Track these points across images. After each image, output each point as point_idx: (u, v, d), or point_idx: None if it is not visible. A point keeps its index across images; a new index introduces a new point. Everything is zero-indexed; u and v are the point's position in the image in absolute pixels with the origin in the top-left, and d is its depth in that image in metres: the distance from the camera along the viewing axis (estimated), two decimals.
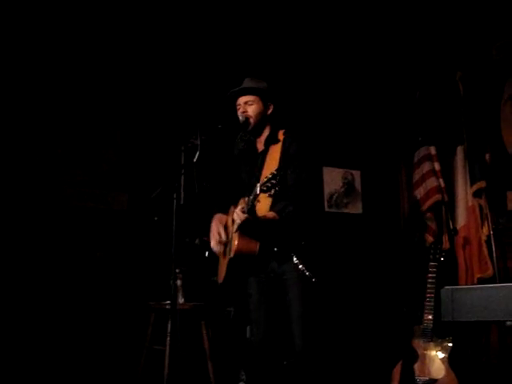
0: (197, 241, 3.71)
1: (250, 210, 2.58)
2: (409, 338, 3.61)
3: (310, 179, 2.81)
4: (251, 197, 2.54)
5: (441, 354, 3.44)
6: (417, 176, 4.61)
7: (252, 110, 2.84)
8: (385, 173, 5.14)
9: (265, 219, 2.64)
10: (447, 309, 1.86)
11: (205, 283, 3.73)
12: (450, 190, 4.46)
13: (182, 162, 2.72)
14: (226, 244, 2.86)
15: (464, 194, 4.29)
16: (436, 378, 3.39)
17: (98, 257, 3.97)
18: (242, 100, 2.87)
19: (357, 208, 4.99)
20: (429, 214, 4.48)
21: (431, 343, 3.49)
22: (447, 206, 4.43)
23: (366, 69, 5.01)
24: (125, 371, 3.73)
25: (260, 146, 2.92)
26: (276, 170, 2.45)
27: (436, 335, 3.50)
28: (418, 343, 3.55)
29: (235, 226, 2.65)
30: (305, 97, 4.79)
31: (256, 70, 4.26)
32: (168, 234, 2.59)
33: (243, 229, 2.60)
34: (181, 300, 3.63)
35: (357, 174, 5.05)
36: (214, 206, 2.98)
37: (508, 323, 1.69)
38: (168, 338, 3.26)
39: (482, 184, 4.12)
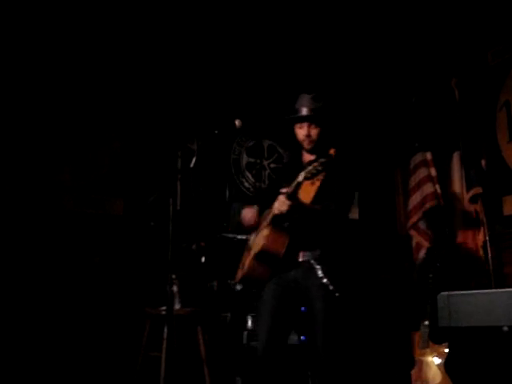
0: (193, 246, 3.70)
1: (292, 197, 2.57)
2: (406, 344, 3.61)
3: (351, 195, 2.90)
4: (293, 184, 2.53)
5: (437, 360, 3.43)
6: (413, 182, 4.61)
7: (315, 134, 2.82)
8: (381, 178, 5.15)
9: (308, 206, 2.61)
10: (444, 314, 1.86)
11: (201, 289, 3.72)
12: (446, 195, 4.47)
13: (179, 168, 2.72)
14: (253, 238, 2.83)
15: (460, 199, 4.30)
16: None
17: (95, 262, 3.96)
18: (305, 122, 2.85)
19: (353, 214, 4.98)
20: (425, 220, 4.49)
21: (428, 349, 3.49)
22: (443, 211, 4.43)
23: (363, 75, 5.03)
24: (121, 378, 3.71)
25: (307, 157, 2.89)
26: (325, 158, 2.46)
27: (433, 341, 3.50)
28: (414, 349, 3.54)
29: (269, 217, 2.65)
30: None
31: (252, 75, 4.28)
32: (164, 239, 2.59)
33: (276, 222, 2.60)
34: (177, 306, 3.61)
35: None
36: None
37: (504, 328, 1.69)
38: (164, 344, 3.24)
39: (478, 190, 4.12)
